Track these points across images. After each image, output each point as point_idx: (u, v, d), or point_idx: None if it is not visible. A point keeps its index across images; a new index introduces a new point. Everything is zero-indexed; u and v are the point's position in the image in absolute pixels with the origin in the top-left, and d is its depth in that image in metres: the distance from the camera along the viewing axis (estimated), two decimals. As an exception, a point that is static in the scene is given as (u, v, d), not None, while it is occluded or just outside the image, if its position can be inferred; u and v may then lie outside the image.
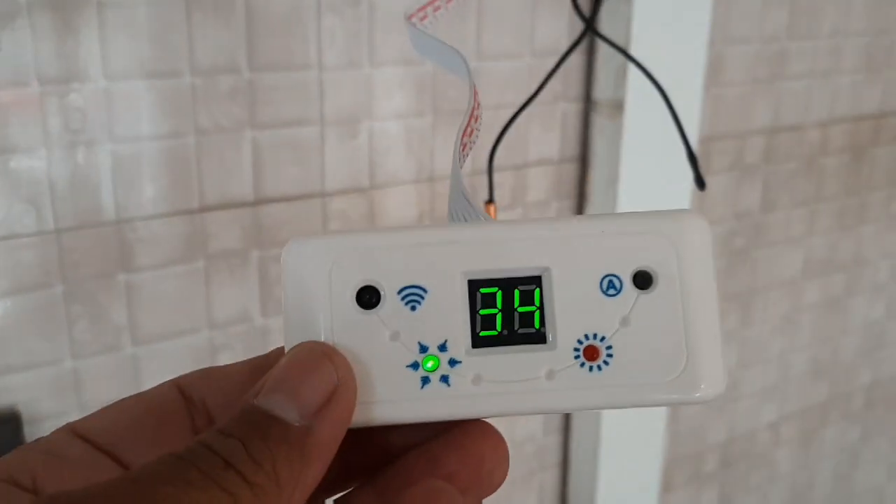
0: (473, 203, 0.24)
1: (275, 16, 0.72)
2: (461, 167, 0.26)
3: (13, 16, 0.62)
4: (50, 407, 0.71)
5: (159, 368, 0.74)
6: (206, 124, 0.71)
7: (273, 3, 0.71)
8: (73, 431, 0.21)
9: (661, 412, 1.05)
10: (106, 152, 0.68)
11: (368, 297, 0.21)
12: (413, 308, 0.21)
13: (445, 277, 0.21)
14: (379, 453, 0.22)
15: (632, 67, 0.85)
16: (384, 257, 0.21)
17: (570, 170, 0.94)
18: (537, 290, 0.21)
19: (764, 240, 1.13)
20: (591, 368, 0.21)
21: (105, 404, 0.72)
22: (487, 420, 0.22)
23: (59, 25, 0.64)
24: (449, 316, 0.21)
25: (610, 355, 0.21)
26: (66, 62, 0.65)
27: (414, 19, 0.35)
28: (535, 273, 0.21)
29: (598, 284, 0.21)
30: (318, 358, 0.20)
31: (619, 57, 0.86)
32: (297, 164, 0.76)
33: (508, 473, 0.23)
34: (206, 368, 0.23)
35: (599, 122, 0.90)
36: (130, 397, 0.22)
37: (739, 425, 1.22)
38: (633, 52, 0.85)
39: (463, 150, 0.27)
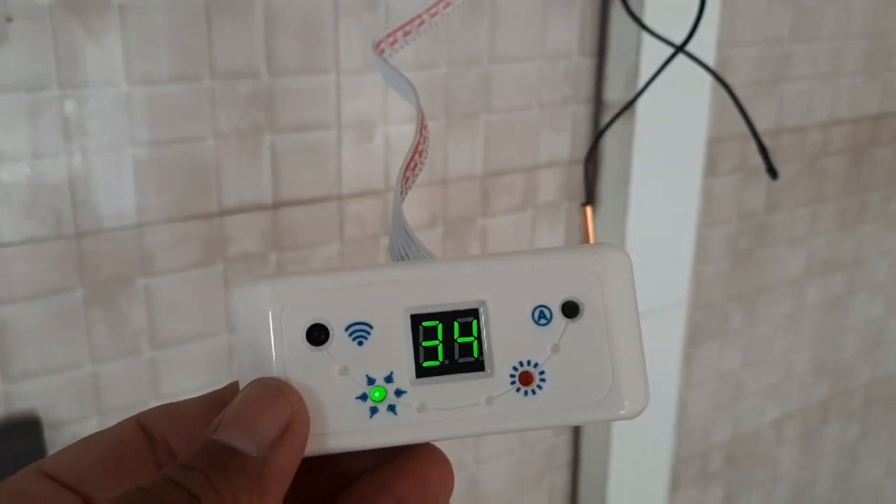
0: (414, 238, 0.25)
1: (293, 21, 0.72)
2: (402, 201, 0.26)
3: (34, 19, 0.62)
4: (69, 412, 0.70)
5: (178, 372, 0.74)
6: (224, 128, 0.71)
7: (291, 8, 0.72)
8: (40, 471, 0.21)
9: (671, 412, 1.06)
10: (126, 156, 0.68)
11: (318, 335, 0.22)
12: (360, 343, 0.22)
13: (389, 313, 0.22)
14: (334, 481, 0.24)
15: (643, 70, 0.86)
16: (331, 297, 0.22)
17: (581, 171, 0.95)
18: (475, 322, 0.22)
19: (767, 240, 1.14)
20: (526, 393, 0.22)
21: (125, 409, 0.71)
22: (434, 445, 0.23)
23: (81, 30, 0.64)
24: (394, 349, 0.22)
25: (543, 380, 0.22)
26: (86, 66, 0.65)
27: (383, 44, 0.36)
28: (473, 306, 0.22)
29: (530, 315, 0.22)
30: (273, 392, 0.21)
31: (630, 59, 0.87)
32: (314, 167, 0.77)
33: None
34: (165, 404, 0.24)
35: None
36: (93, 435, 0.23)
37: (744, 424, 1.23)
38: (644, 55, 0.86)
39: (405, 183, 0.27)
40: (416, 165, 0.28)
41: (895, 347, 1.39)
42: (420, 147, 0.28)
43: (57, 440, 0.70)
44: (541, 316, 0.22)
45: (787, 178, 1.13)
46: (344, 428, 0.22)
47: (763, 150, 0.46)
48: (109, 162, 0.68)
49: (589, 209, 0.57)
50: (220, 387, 0.25)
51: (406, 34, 0.37)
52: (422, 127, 0.29)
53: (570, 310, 0.23)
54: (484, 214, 0.89)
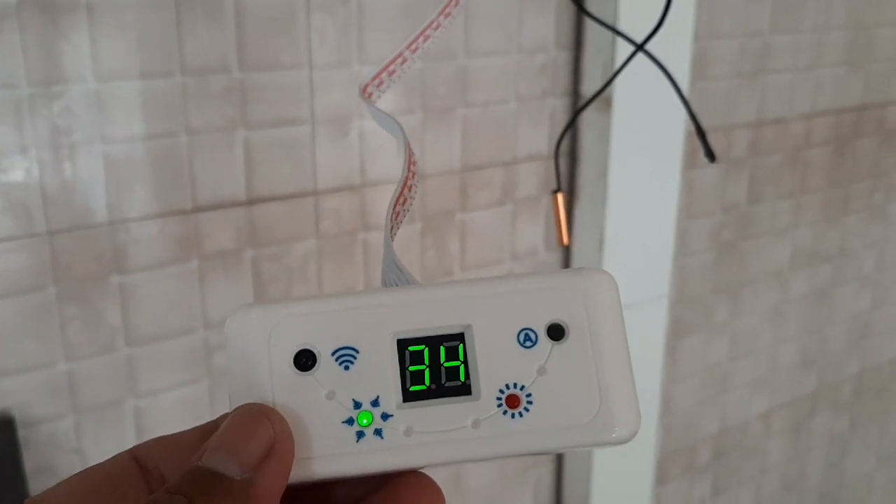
0: (404, 270, 0.25)
1: (265, 16, 0.72)
2: (393, 237, 0.27)
3: (2, 18, 0.62)
4: (44, 410, 0.70)
5: (155, 369, 0.74)
6: (197, 124, 0.71)
7: (263, 3, 0.72)
8: None
9: (654, 405, 1.06)
10: (97, 153, 0.68)
11: (305, 360, 0.22)
12: (346, 367, 0.22)
13: (376, 338, 0.22)
14: None
15: (619, 63, 0.86)
16: (318, 322, 0.22)
17: (560, 165, 0.94)
18: (461, 346, 0.23)
19: (751, 232, 1.14)
20: (513, 416, 0.22)
21: (99, 407, 0.71)
22: (423, 471, 0.23)
23: (49, 27, 0.64)
24: (380, 373, 0.22)
25: (530, 402, 0.22)
26: (55, 64, 0.65)
27: (370, 88, 0.36)
28: (458, 330, 0.23)
29: (516, 337, 0.23)
30: (256, 416, 0.21)
31: (606, 52, 0.87)
32: (289, 163, 0.77)
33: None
34: (159, 437, 0.24)
35: (588, 116, 0.90)
36: (87, 469, 0.23)
37: (731, 417, 1.23)
38: (619, 48, 0.86)
39: (395, 218, 0.28)
40: (405, 201, 0.29)
41: (883, 339, 1.39)
42: (409, 182, 0.29)
43: (31, 439, 0.70)
44: (526, 338, 0.23)
45: (770, 170, 1.13)
46: (331, 452, 0.22)
47: (701, 135, 0.46)
48: (82, 159, 0.67)
49: (560, 196, 0.57)
50: (210, 420, 0.25)
51: (391, 74, 0.38)
52: (410, 163, 0.29)
53: (556, 332, 0.23)
54: (463, 209, 0.89)
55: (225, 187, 0.74)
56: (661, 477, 1.17)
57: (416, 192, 0.29)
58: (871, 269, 1.32)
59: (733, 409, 1.23)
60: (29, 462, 0.69)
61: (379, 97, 0.37)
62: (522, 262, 0.95)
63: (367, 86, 0.36)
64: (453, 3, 0.40)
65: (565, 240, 0.59)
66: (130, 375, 0.73)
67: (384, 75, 0.37)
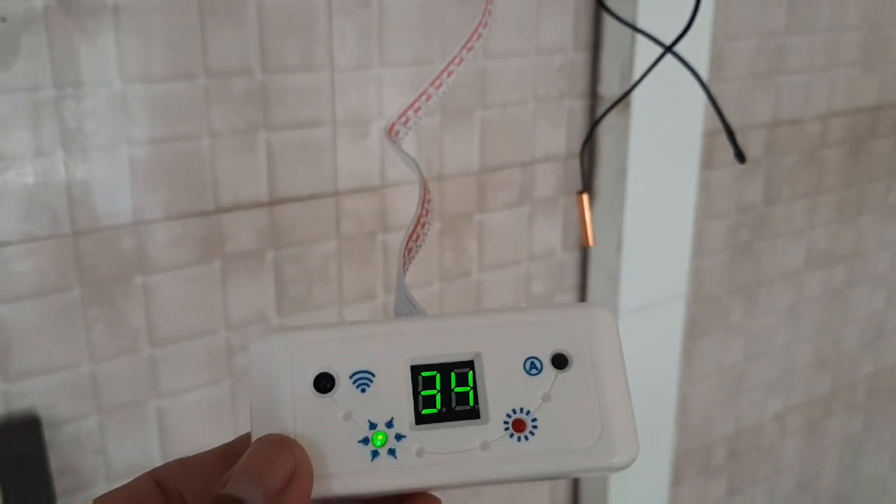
0: (416, 304, 0.27)
1: (286, 18, 0.73)
2: (406, 272, 0.28)
3: (28, 20, 0.63)
4: (69, 411, 0.71)
5: (177, 370, 0.75)
6: (220, 126, 0.72)
7: (284, 5, 0.72)
8: None
9: (671, 406, 1.06)
10: (121, 155, 0.68)
11: (324, 383, 0.24)
12: (363, 390, 0.24)
13: (391, 363, 0.24)
14: None
15: (637, 64, 0.86)
16: (337, 348, 0.24)
17: (578, 164, 0.95)
18: (471, 373, 0.24)
19: (767, 232, 1.14)
20: (519, 439, 0.24)
21: (122, 407, 0.71)
22: (433, 494, 0.24)
23: (75, 30, 0.64)
24: (395, 396, 0.24)
25: (535, 426, 0.24)
26: (80, 66, 0.65)
27: (397, 126, 0.37)
28: (469, 358, 0.24)
29: (522, 365, 0.24)
30: (277, 446, 0.22)
31: (625, 53, 0.87)
32: (310, 164, 0.77)
33: None
34: (179, 459, 0.25)
35: (606, 118, 0.91)
36: (110, 492, 0.24)
37: (746, 418, 1.23)
38: (638, 49, 0.86)
39: (408, 253, 0.29)
40: (418, 237, 0.30)
41: (897, 339, 1.39)
42: (422, 219, 0.30)
43: (57, 439, 0.70)
44: (532, 366, 0.24)
45: (785, 171, 1.13)
46: (347, 470, 0.23)
47: (731, 136, 0.46)
48: (106, 161, 0.68)
49: (585, 197, 0.57)
50: (230, 440, 0.26)
51: (416, 111, 0.38)
52: (424, 201, 0.30)
53: (560, 361, 0.24)
54: (481, 210, 0.89)
55: (247, 189, 0.74)
56: (676, 477, 1.17)
57: (428, 228, 0.30)
58: (886, 269, 1.32)
59: (748, 410, 1.23)
60: (53, 462, 0.69)
61: (406, 135, 0.37)
62: (540, 263, 0.95)
63: (393, 125, 0.37)
64: (475, 37, 0.41)
65: (591, 241, 0.59)
66: (153, 376, 0.74)
67: (410, 113, 0.38)
